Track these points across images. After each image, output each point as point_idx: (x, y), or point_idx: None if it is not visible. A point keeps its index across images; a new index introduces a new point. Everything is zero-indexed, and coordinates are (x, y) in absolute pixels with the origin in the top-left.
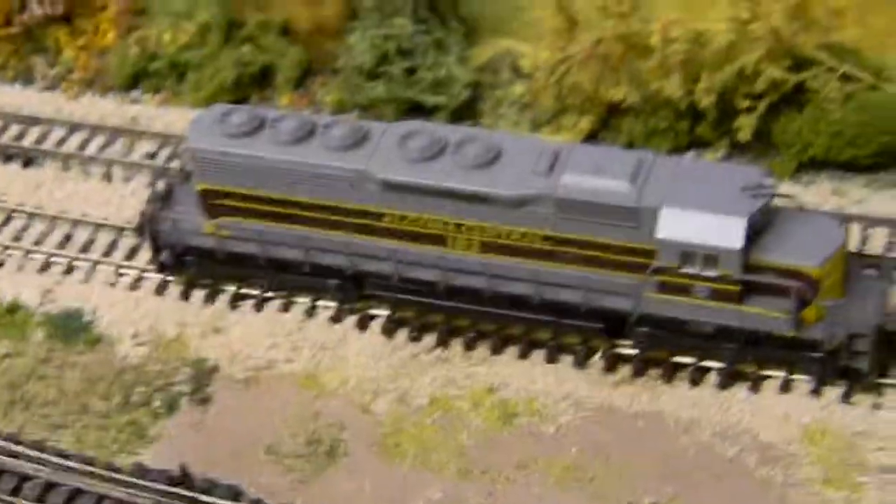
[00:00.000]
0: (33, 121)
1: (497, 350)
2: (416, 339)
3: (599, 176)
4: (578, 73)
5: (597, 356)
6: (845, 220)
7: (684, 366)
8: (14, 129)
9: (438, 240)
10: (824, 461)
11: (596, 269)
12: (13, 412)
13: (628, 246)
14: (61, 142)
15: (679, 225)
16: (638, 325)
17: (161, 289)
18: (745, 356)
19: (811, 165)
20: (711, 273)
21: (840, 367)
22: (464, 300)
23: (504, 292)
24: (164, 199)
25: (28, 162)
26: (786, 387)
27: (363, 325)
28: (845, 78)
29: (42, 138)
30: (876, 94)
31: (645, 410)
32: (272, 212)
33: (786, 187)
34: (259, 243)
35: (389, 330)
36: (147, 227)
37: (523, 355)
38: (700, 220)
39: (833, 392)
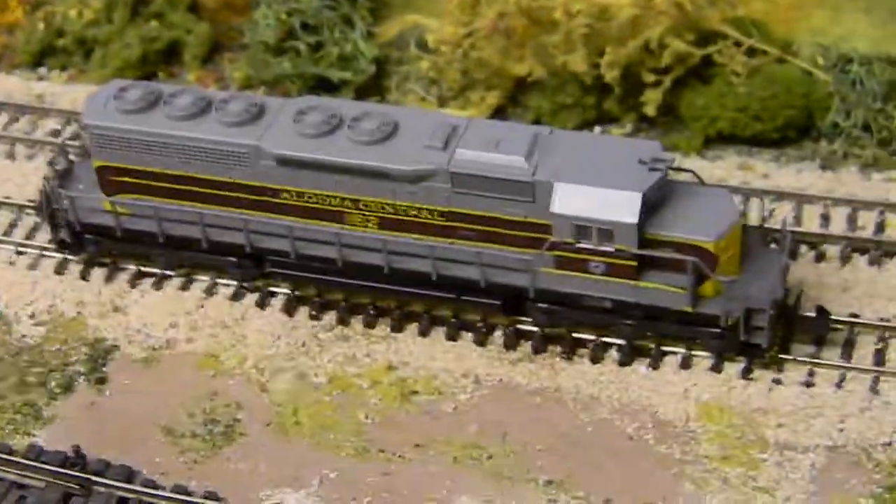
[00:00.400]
0: None
1: (398, 328)
2: (316, 317)
3: (495, 150)
4: (483, 47)
5: (497, 333)
6: (747, 194)
7: (585, 343)
8: None
9: (336, 216)
10: (722, 438)
11: (493, 245)
12: None
13: (524, 221)
14: None
15: (574, 199)
16: (536, 302)
17: (61, 268)
18: (644, 332)
19: (718, 140)
20: (607, 248)
21: (739, 343)
22: (363, 277)
23: (403, 269)
24: (63, 177)
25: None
26: (686, 363)
27: (264, 303)
28: (751, 52)
29: None
30: (782, 67)
31: (544, 387)
32: (169, 188)
33: (693, 162)
34: (157, 221)
35: (290, 308)
36: (45, 205)
37: (424, 333)
38: (595, 194)
39: (733, 369)
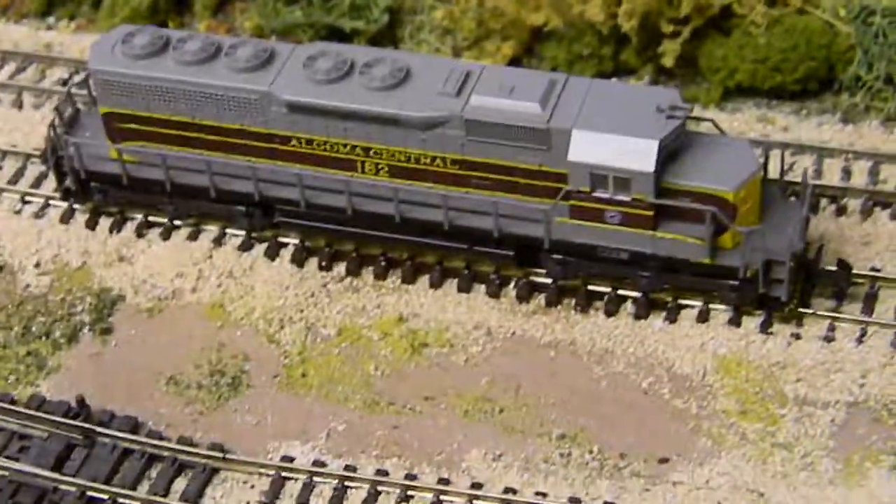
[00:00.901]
0: None
1: (409, 279)
2: (326, 267)
3: (509, 97)
4: None
5: (510, 286)
6: (767, 146)
7: (600, 295)
8: None
9: (347, 164)
10: (740, 392)
11: (507, 194)
12: None
13: (539, 170)
14: None
15: (590, 147)
16: (550, 253)
17: (66, 217)
18: (661, 284)
19: (737, 92)
20: (624, 197)
21: (758, 296)
22: (374, 227)
23: (414, 218)
24: (69, 125)
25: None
26: (703, 317)
27: (273, 253)
28: (772, 2)
29: None
30: (803, 18)
31: (558, 340)
32: (177, 135)
33: (711, 114)
34: (164, 169)
35: (299, 259)
36: (51, 153)
37: (435, 284)
38: (612, 142)
39: (751, 322)
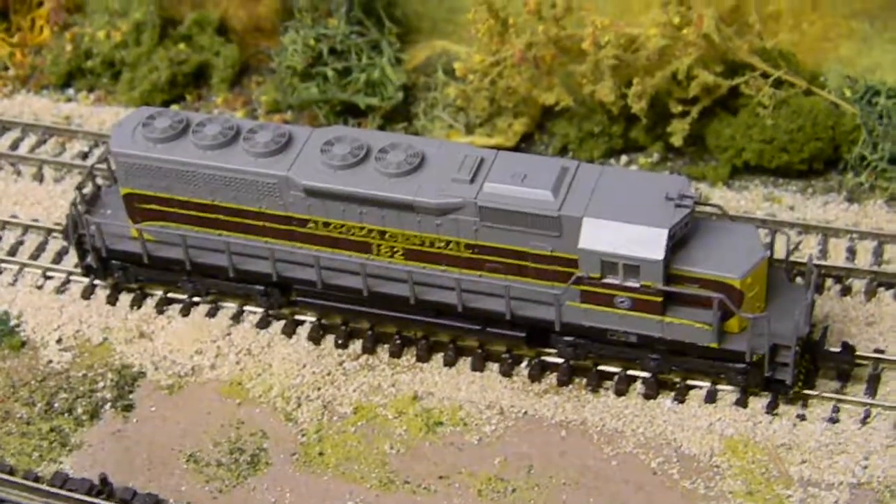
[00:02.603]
0: None
1: (423, 357)
2: (342, 345)
3: (522, 184)
4: (511, 76)
5: (522, 365)
6: (773, 230)
7: (610, 375)
8: None
9: (363, 247)
10: (747, 473)
11: (519, 278)
12: None
13: (551, 255)
14: None
15: (601, 235)
16: (561, 335)
17: (88, 293)
18: (669, 367)
19: (744, 170)
20: (633, 283)
21: (764, 379)
22: (389, 307)
23: (429, 300)
24: (90, 202)
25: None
26: (711, 398)
27: (290, 331)
28: (779, 83)
29: None
30: (809, 99)
31: (569, 420)
32: (196, 216)
33: (719, 192)
34: (184, 248)
35: (316, 337)
36: (72, 231)
37: (449, 363)
38: (622, 230)
39: (758, 403)
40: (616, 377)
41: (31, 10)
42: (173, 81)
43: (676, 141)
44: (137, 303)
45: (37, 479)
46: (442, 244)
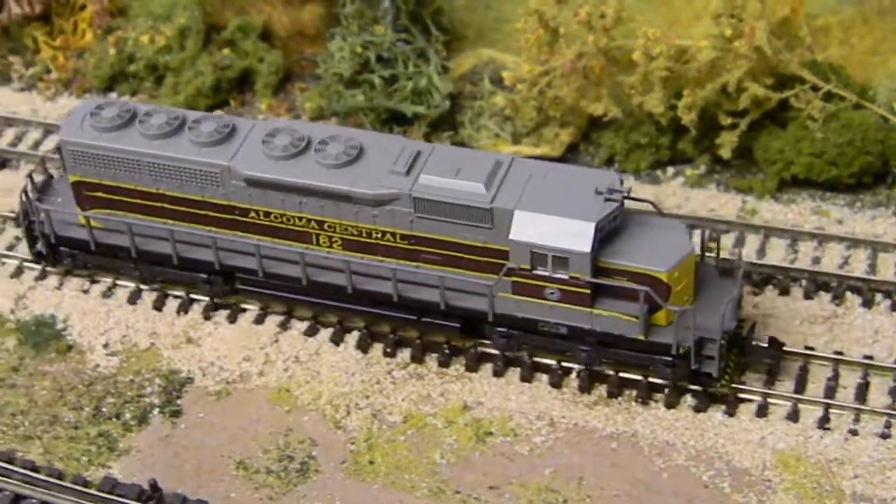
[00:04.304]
0: (8, 122)
1: (472, 367)
2: (390, 354)
3: (456, 177)
4: (560, 86)
5: (572, 376)
6: (704, 228)
7: (660, 387)
8: None
9: (303, 236)
10: (799, 488)
11: (454, 269)
12: None
13: (484, 247)
14: (36, 144)
15: (531, 227)
16: (494, 326)
17: (134, 298)
18: (599, 359)
19: (792, 184)
20: (562, 275)
21: (690, 372)
22: (328, 296)
23: (366, 290)
24: (42, 190)
25: (2, 164)
26: (762, 411)
27: (338, 339)
28: (828, 97)
29: (17, 140)
30: (859, 113)
31: (619, 432)
32: (142, 205)
33: (766, 205)
34: (130, 236)
35: (364, 345)
36: (23, 218)
37: (498, 374)
38: (551, 222)
39: (809, 418)
40: (667, 389)
41: (73, 14)
42: (217, 87)
43: (725, 153)
44: (184, 308)
45: (86, 484)
46: (379, 235)
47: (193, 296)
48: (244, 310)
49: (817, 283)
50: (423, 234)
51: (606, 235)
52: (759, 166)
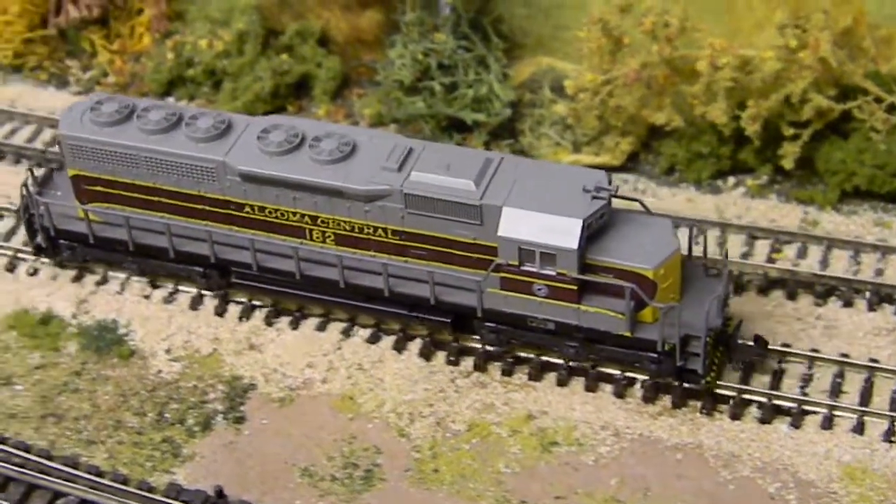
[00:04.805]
0: None
1: (536, 376)
2: (453, 362)
3: (447, 174)
4: (622, 95)
5: (636, 387)
6: (691, 226)
7: (725, 398)
8: (48, 133)
9: (297, 231)
10: (865, 501)
11: (444, 265)
12: (46, 426)
13: (473, 243)
14: None
15: (519, 224)
16: (483, 321)
17: (196, 304)
18: (587, 355)
19: (854, 195)
20: (549, 271)
21: (676, 368)
22: (320, 290)
23: (358, 284)
24: (42, 184)
25: (62, 165)
26: (827, 423)
27: (400, 346)
28: (892, 108)
29: None
30: None
31: (685, 443)
32: (139, 199)
33: (827, 216)
34: (127, 229)
35: (427, 353)
36: (23, 211)
37: (562, 383)
38: (539, 219)
39: (875, 431)
40: (732, 401)
41: (130, 18)
42: (276, 92)
43: (787, 164)
44: (246, 314)
45: (150, 490)
46: (370, 230)
47: (255, 302)
48: (306, 316)
49: (880, 296)
50: (414, 229)
51: (594, 233)
52: (821, 177)
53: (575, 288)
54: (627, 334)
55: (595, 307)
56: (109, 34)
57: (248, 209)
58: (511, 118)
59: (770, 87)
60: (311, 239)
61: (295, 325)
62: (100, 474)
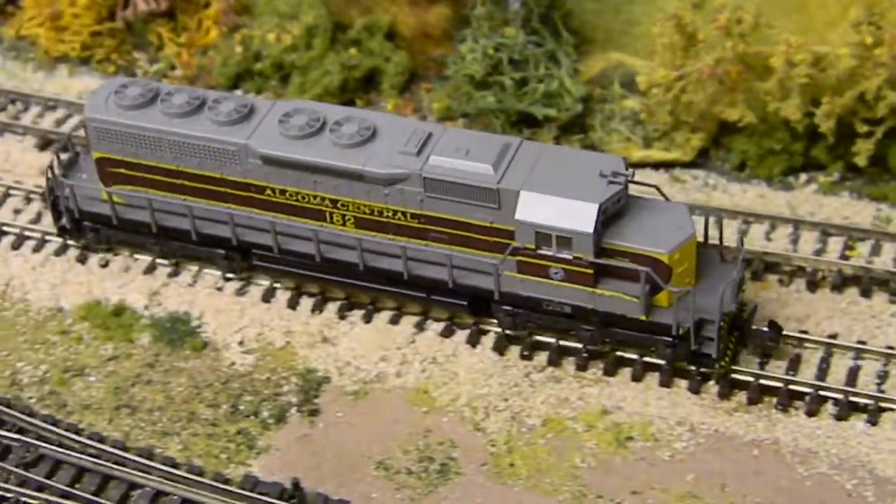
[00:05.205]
0: None
1: (610, 372)
2: (527, 357)
3: (465, 158)
4: (695, 91)
5: (711, 382)
6: (707, 214)
7: (801, 395)
8: None
9: (317, 214)
10: None
11: (461, 248)
12: (119, 417)
13: (490, 226)
14: None
15: (536, 208)
16: (500, 304)
17: (268, 296)
18: (603, 338)
19: None
20: (566, 255)
21: (690, 352)
22: (339, 273)
23: (377, 267)
24: (67, 167)
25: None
26: None
27: (474, 340)
28: None
29: None
30: None
31: (761, 439)
32: (162, 181)
33: None
34: (150, 211)
35: (500, 347)
36: (48, 193)
37: (637, 378)
38: (556, 203)
39: None
40: (808, 397)
41: (198, 11)
42: (344, 86)
43: (860, 161)
44: (319, 307)
45: (226, 482)
46: (390, 214)
47: (328, 295)
48: (379, 310)
49: None
50: (433, 213)
51: (610, 217)
52: (894, 174)
53: (591, 272)
54: (643, 318)
55: (611, 291)
56: (176, 27)
57: (269, 192)
58: (581, 113)
59: (844, 83)
60: (332, 222)
61: (368, 318)
62: (175, 465)
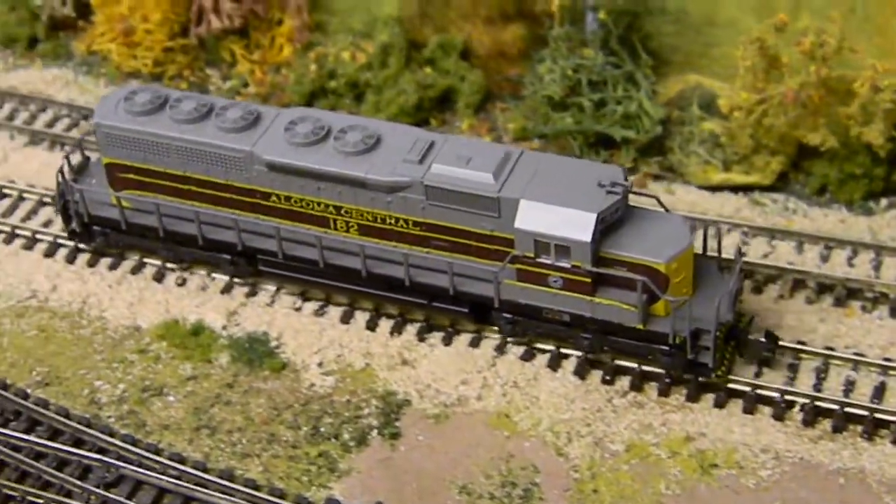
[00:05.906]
0: None
1: (693, 397)
2: (609, 381)
3: (466, 167)
4: (777, 115)
5: (795, 409)
6: (706, 225)
7: (886, 423)
8: None
9: (321, 221)
10: None
11: (462, 256)
12: (199, 438)
13: (491, 234)
14: None
15: (535, 216)
16: (500, 311)
17: (347, 318)
18: (601, 347)
19: None
20: (564, 263)
21: (686, 361)
22: (343, 279)
23: (379, 274)
24: (78, 171)
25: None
26: None
27: (555, 364)
28: None
29: None
30: None
31: (847, 468)
32: (170, 187)
33: None
34: (158, 216)
35: (581, 371)
36: (59, 198)
37: (720, 404)
38: (555, 212)
39: None
40: (893, 426)
41: (271, 28)
42: (419, 105)
43: None
44: (398, 329)
45: None
46: (392, 221)
47: (408, 317)
48: (459, 332)
49: None
50: (434, 220)
51: (608, 226)
52: None
53: (589, 280)
54: (640, 327)
55: (608, 299)
56: (249, 44)
57: (273, 198)
58: (660, 135)
59: None
60: (335, 228)
61: (447, 340)
62: (256, 488)
